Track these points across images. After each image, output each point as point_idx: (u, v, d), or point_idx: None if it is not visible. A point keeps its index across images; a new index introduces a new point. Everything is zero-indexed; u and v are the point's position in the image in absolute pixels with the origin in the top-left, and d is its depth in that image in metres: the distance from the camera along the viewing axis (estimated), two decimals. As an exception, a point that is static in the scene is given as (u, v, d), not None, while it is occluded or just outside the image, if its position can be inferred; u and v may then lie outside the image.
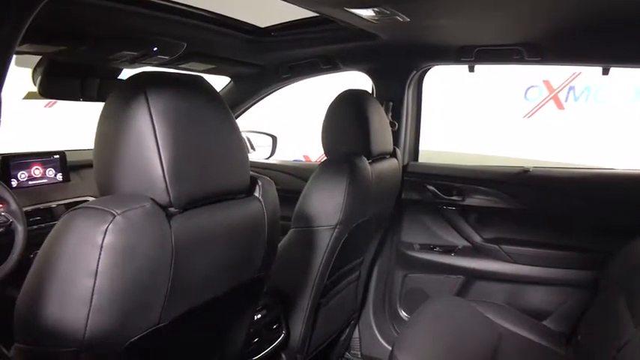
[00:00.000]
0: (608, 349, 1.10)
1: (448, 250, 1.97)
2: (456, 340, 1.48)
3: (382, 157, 1.67)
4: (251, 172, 0.91)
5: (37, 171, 1.55)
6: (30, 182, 1.53)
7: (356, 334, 2.08)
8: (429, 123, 2.15)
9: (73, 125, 3.23)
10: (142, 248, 0.68)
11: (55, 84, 1.55)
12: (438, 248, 1.99)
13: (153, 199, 0.71)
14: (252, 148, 2.34)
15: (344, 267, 1.71)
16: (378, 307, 2.09)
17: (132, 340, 0.72)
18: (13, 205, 1.17)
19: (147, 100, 0.72)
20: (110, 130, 0.75)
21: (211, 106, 0.83)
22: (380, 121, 1.61)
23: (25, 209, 1.26)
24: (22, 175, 1.51)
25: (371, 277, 2.07)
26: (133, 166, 0.73)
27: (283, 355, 1.52)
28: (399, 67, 1.97)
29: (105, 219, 0.65)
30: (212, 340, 1.05)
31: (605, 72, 1.63)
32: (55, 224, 0.70)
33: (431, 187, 1.96)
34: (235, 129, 0.87)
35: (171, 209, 0.74)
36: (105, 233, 0.65)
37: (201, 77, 0.85)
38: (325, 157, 1.58)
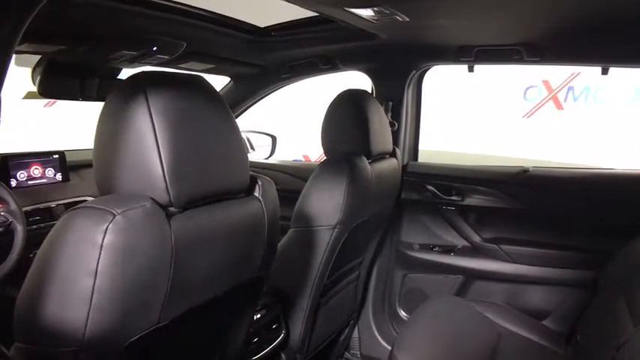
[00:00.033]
0: (607, 349, 1.10)
1: (447, 250, 1.97)
2: (456, 339, 1.48)
3: (382, 156, 1.67)
4: (251, 172, 0.91)
5: (36, 171, 1.55)
6: (29, 182, 1.53)
7: (355, 333, 2.08)
8: (428, 123, 2.15)
9: (73, 125, 3.23)
10: (142, 248, 0.68)
11: (54, 83, 1.55)
12: (437, 248, 1.99)
13: (153, 199, 0.71)
14: (252, 148, 2.34)
15: (343, 267, 1.71)
16: (377, 306, 2.09)
17: (132, 339, 0.72)
18: (13, 205, 1.17)
19: (147, 99, 0.72)
20: (110, 130, 0.75)
21: (211, 105, 0.83)
22: (379, 121, 1.61)
23: (24, 209, 1.26)
24: (22, 175, 1.51)
25: (370, 277, 2.07)
26: (132, 166, 0.73)
27: (283, 355, 1.52)
28: (398, 67, 1.97)
29: (105, 218, 0.65)
30: (212, 339, 1.05)
31: (605, 72, 1.63)
32: (54, 224, 0.70)
33: (430, 187, 1.96)
34: (235, 129, 0.87)
35: (171, 209, 0.74)
36: (105, 233, 0.65)
37: (201, 77, 0.85)
38: (325, 157, 1.58)
